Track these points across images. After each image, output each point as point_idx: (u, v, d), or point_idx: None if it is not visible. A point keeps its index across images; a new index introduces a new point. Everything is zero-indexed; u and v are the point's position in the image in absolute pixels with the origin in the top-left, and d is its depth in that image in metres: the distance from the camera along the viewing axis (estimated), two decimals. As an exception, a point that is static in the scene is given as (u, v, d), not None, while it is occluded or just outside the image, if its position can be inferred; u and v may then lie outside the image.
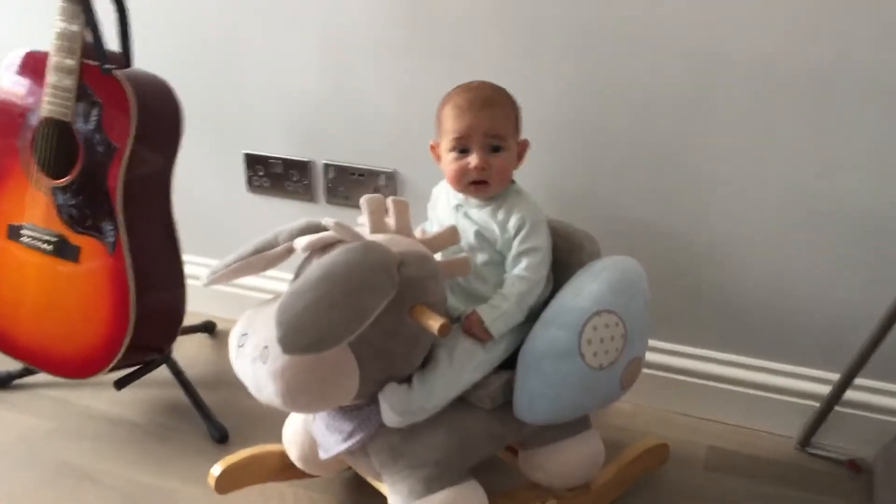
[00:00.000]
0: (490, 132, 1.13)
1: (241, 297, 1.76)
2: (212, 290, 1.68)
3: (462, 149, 1.15)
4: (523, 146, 1.20)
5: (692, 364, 1.52)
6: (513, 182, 1.20)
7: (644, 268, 1.20)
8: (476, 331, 1.12)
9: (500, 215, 1.16)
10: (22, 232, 1.40)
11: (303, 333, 0.92)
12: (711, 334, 1.49)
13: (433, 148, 1.21)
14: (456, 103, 1.15)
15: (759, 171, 1.35)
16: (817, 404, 1.42)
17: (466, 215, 1.19)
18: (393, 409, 1.06)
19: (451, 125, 1.15)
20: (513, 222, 1.15)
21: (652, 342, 1.46)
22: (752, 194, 1.37)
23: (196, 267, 1.55)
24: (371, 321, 0.96)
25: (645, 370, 1.25)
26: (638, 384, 1.22)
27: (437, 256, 1.13)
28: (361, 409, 1.09)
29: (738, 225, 1.39)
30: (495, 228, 1.16)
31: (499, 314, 1.12)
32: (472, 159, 1.13)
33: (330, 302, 0.94)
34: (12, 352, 1.48)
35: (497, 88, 1.18)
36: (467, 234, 1.17)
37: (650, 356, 1.46)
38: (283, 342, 0.92)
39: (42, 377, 1.59)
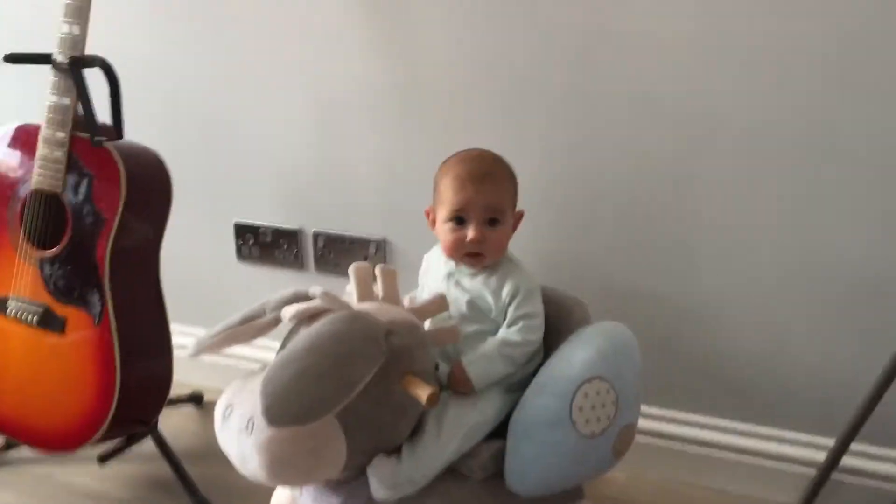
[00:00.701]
0: (489, 207, 1.14)
1: (230, 367, 1.74)
2: (199, 360, 1.65)
3: (459, 220, 1.15)
4: (518, 217, 1.21)
5: (686, 431, 1.49)
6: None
7: (636, 333, 1.19)
8: (457, 378, 1.11)
9: (493, 283, 1.16)
10: (7, 304, 1.39)
11: (289, 405, 0.91)
12: (705, 400, 1.48)
13: (428, 213, 1.21)
14: (456, 174, 1.15)
15: (752, 235, 1.35)
16: (814, 471, 1.39)
17: (458, 284, 1.18)
18: (382, 482, 1.04)
19: (449, 196, 1.15)
20: (506, 290, 1.15)
21: (645, 408, 1.45)
22: (744, 259, 1.37)
23: (184, 336, 1.53)
24: (358, 391, 0.95)
25: (638, 437, 1.23)
26: (631, 452, 1.19)
27: (426, 324, 1.13)
28: (350, 483, 1.07)
29: (731, 290, 1.39)
30: (488, 296, 1.16)
31: (477, 356, 1.12)
32: (470, 232, 1.14)
33: (316, 372, 0.93)
34: (-5, 425, 1.45)
35: (497, 160, 1.18)
36: (459, 303, 1.17)
37: (643, 423, 1.44)
38: (269, 414, 0.90)
39: (25, 451, 1.55)
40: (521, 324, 1.14)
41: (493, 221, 1.15)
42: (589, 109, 1.37)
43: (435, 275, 1.23)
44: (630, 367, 1.16)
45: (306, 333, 0.98)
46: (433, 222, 1.21)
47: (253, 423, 0.99)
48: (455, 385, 1.12)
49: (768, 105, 1.28)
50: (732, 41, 1.27)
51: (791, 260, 1.35)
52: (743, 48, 1.27)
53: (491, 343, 1.14)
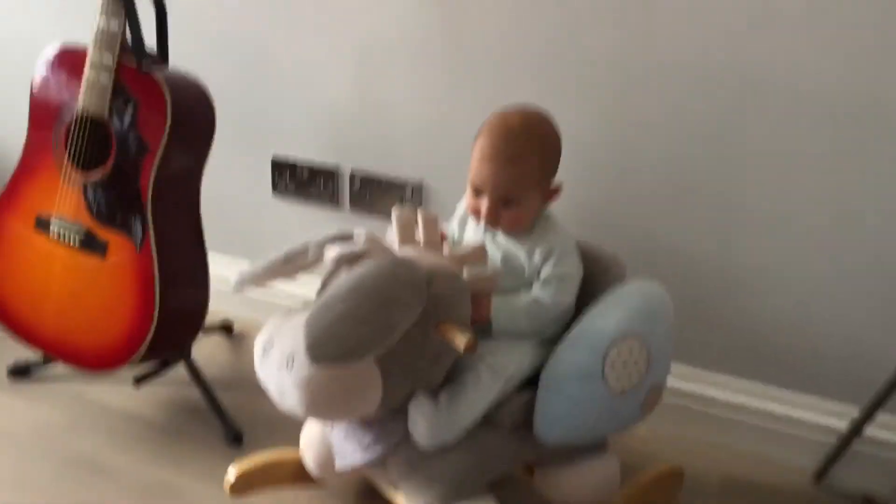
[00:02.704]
0: (503, 191, 1.13)
1: (260, 300, 1.77)
2: (225, 290, 1.69)
3: (478, 192, 1.15)
4: (554, 191, 1.18)
5: (710, 391, 1.51)
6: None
7: (670, 292, 1.19)
8: (479, 311, 1.11)
9: (528, 244, 1.16)
10: (50, 224, 1.41)
11: (331, 345, 0.93)
12: (731, 361, 1.49)
13: None
14: (483, 145, 1.14)
15: (788, 201, 1.35)
16: (835, 439, 1.41)
17: (493, 240, 1.19)
18: (424, 423, 1.06)
19: (473, 166, 1.15)
20: (539, 251, 1.16)
21: (672, 367, 1.46)
22: (779, 223, 1.37)
23: (218, 267, 1.55)
24: (398, 335, 0.96)
25: (664, 395, 1.24)
26: (655, 408, 1.21)
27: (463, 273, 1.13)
28: (382, 422, 1.10)
29: (764, 253, 1.39)
30: (521, 256, 1.16)
31: (505, 306, 1.13)
32: (483, 206, 1.14)
33: (359, 315, 0.94)
34: (34, 341, 1.48)
35: (530, 135, 1.13)
36: (493, 259, 1.17)
37: (669, 381, 1.46)
38: (312, 353, 0.92)
39: (59, 369, 1.59)
40: (553, 284, 1.15)
41: (507, 202, 1.14)
42: (636, 70, 1.35)
43: (473, 226, 1.23)
44: (663, 327, 1.17)
45: (350, 276, 0.99)
46: None
47: (293, 360, 1.01)
48: (473, 315, 1.11)
49: (819, 74, 1.26)
50: (784, 7, 1.24)
51: (827, 227, 1.34)
52: (794, 14, 1.24)
53: (523, 300, 1.14)
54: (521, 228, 1.17)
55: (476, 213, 1.17)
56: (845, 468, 1.42)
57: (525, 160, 1.13)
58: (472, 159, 1.16)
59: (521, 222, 1.16)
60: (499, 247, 1.18)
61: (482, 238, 1.19)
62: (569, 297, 1.16)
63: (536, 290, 1.16)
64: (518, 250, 1.17)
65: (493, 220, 1.15)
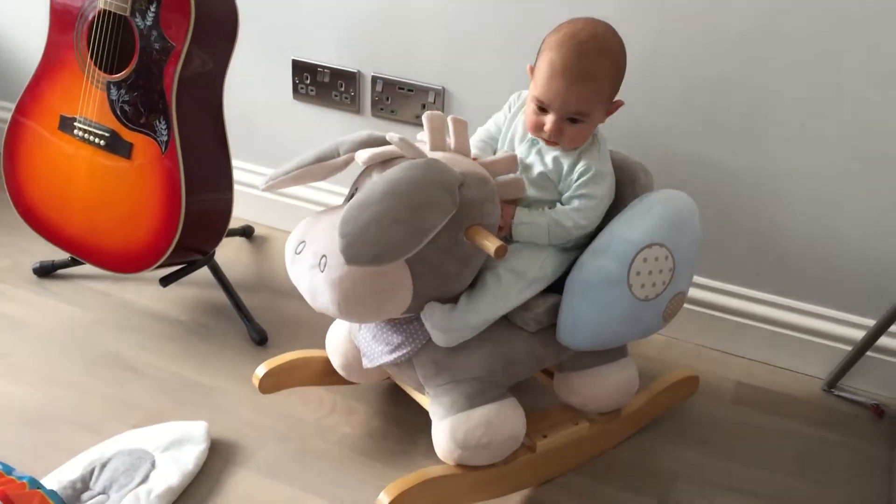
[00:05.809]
0: (572, 108, 1.10)
1: (276, 203, 1.78)
2: (246, 195, 1.69)
3: (543, 108, 1.13)
4: (615, 107, 1.16)
5: (727, 300, 1.53)
6: None
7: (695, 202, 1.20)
8: (505, 214, 1.12)
9: (572, 158, 1.15)
10: (75, 124, 1.40)
11: (366, 246, 0.94)
12: (749, 272, 1.50)
13: (531, 70, 1.17)
14: (553, 59, 1.09)
15: (819, 111, 1.33)
16: (849, 348, 1.43)
17: (539, 152, 1.17)
18: (434, 326, 1.08)
19: (540, 80, 1.11)
20: (579, 167, 1.14)
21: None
22: (808, 134, 1.36)
23: (237, 173, 1.55)
24: (430, 238, 0.97)
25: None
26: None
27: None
28: (411, 323, 1.12)
29: (791, 164, 1.38)
30: (564, 168, 1.15)
31: (529, 220, 1.13)
32: (548, 123, 1.12)
33: (393, 217, 0.95)
34: (60, 242, 1.50)
35: (602, 51, 1.10)
36: (534, 168, 1.16)
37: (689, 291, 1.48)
38: (347, 253, 0.93)
39: (83, 269, 1.61)
40: (576, 203, 1.14)
41: (574, 120, 1.12)
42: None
43: (521, 134, 1.21)
44: (690, 236, 1.17)
45: (383, 178, 0.99)
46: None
47: (325, 261, 1.02)
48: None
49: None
50: None
51: (856, 139, 1.33)
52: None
53: (546, 217, 1.13)
54: (577, 144, 1.15)
55: (535, 129, 1.14)
56: (857, 378, 1.45)
57: (597, 78, 1.10)
58: (538, 75, 1.12)
59: (581, 140, 1.15)
60: (542, 161, 1.16)
61: (527, 150, 1.18)
62: (589, 219, 1.14)
63: (561, 207, 1.15)
64: (562, 163, 1.15)
65: (557, 137, 1.13)
